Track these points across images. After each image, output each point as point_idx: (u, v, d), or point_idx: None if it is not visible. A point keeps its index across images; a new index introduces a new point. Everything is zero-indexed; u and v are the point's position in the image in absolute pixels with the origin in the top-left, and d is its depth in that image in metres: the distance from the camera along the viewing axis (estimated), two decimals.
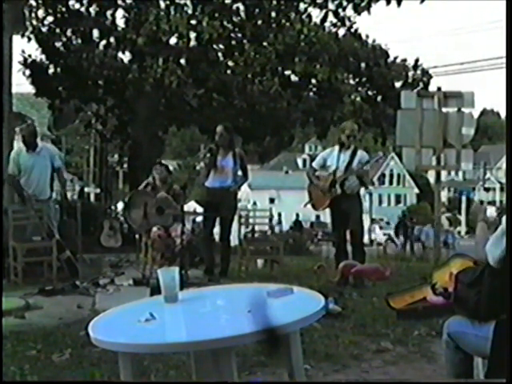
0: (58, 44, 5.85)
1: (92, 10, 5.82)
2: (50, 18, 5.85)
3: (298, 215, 13.39)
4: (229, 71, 5.90)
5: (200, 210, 3.35)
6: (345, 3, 5.83)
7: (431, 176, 10.97)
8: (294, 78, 6.21)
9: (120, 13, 5.85)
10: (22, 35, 5.30)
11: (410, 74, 6.54)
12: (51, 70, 5.96)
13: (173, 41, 5.74)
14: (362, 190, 3.04)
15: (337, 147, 2.92)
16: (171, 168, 3.71)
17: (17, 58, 5.71)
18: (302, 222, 12.86)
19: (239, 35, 5.83)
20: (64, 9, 5.80)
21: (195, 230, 4.83)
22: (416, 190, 25.18)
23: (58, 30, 5.83)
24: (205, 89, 5.73)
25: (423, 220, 18.60)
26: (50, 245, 2.95)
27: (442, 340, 1.22)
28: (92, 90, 5.98)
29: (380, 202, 23.15)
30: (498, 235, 1.07)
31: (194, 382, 1.10)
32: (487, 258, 1.08)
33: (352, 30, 6.20)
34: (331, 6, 5.93)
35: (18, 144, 3.44)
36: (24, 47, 6.13)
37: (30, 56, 5.91)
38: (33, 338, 1.90)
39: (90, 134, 9.19)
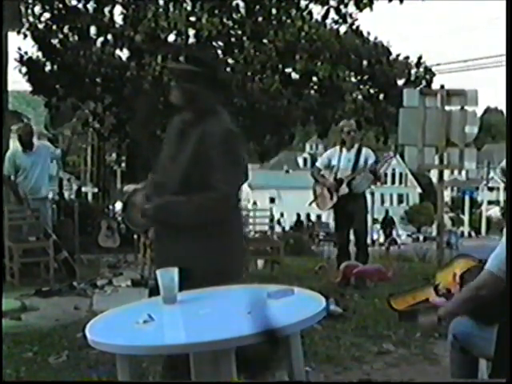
0: (55, 41, 5.82)
1: (89, 6, 5.80)
2: (47, 15, 5.81)
3: (299, 215, 13.40)
4: (228, 69, 5.87)
5: None
6: (346, 0, 5.80)
7: (434, 175, 10.88)
8: (294, 75, 6.20)
9: (118, 9, 5.85)
10: (18, 32, 5.24)
11: (413, 71, 6.52)
12: (48, 68, 5.93)
13: (171, 38, 5.72)
14: (366, 191, 3.03)
15: (340, 147, 2.91)
16: None
17: (13, 55, 5.62)
18: (303, 222, 12.83)
19: (239, 32, 5.81)
20: (61, 5, 5.78)
21: None
22: (419, 190, 25.13)
23: (54, 27, 5.79)
24: None
25: (425, 220, 18.41)
26: (46, 245, 2.92)
27: (447, 341, 1.20)
28: (89, 88, 5.95)
29: (382, 202, 23.13)
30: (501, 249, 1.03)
31: (194, 382, 1.07)
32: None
33: (354, 27, 6.16)
34: (332, 3, 5.91)
35: (14, 143, 3.41)
36: (20, 44, 6.08)
37: (26, 53, 5.87)
38: (29, 339, 1.88)
39: (88, 132, 9.13)
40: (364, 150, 2.87)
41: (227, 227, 1.18)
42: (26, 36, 5.72)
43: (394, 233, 12.56)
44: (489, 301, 1.02)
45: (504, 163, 16.82)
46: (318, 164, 3.04)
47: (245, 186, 4.36)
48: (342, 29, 6.14)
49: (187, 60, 1.18)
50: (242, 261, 1.24)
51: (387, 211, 14.25)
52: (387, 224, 12.04)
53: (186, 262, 1.11)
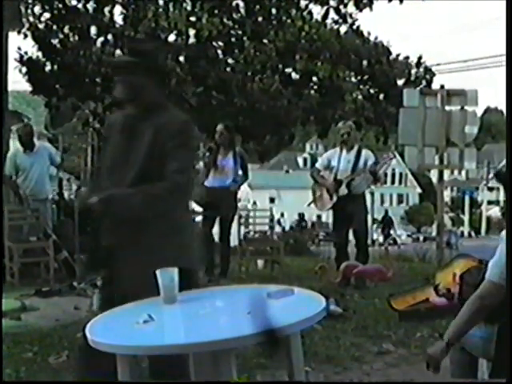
0: (55, 41, 5.81)
1: (89, 6, 5.78)
2: (47, 15, 5.80)
3: (299, 215, 13.41)
4: (228, 69, 5.88)
5: (199, 209, 3.33)
6: (346, 0, 5.81)
7: (434, 175, 10.89)
8: (294, 75, 6.19)
9: (118, 9, 5.83)
10: (19, 32, 5.24)
11: (413, 71, 6.51)
12: (48, 68, 5.92)
13: (172, 38, 5.71)
14: (366, 191, 3.04)
15: (340, 148, 2.92)
16: None
17: (13, 55, 5.58)
18: (305, 222, 12.84)
19: (239, 32, 5.81)
20: (61, 5, 5.76)
21: None
22: (418, 190, 25.14)
23: (54, 27, 5.78)
24: (204, 87, 5.68)
25: (425, 220, 18.31)
26: (46, 245, 2.92)
27: None
28: (89, 88, 5.93)
29: (382, 202, 23.15)
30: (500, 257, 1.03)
31: (194, 382, 1.07)
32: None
33: (354, 27, 6.15)
34: (332, 3, 5.90)
35: (15, 143, 3.41)
36: (20, 44, 6.07)
37: (26, 53, 5.85)
38: (29, 339, 1.88)
39: (88, 132, 9.13)
40: (364, 152, 2.88)
41: (177, 222, 1.11)
42: (26, 36, 5.71)
43: (392, 232, 12.58)
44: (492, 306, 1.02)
45: (499, 166, 16.82)
46: (317, 165, 3.05)
47: (245, 186, 4.39)
48: (342, 29, 6.16)
49: (128, 52, 1.12)
50: (195, 256, 1.12)
51: (386, 211, 14.29)
52: (385, 224, 12.06)
53: (133, 260, 1.06)
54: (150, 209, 1.09)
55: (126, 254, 1.11)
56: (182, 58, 5.74)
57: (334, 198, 2.84)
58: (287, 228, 11.21)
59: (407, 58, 6.63)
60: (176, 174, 1.07)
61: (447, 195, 22.35)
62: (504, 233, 1.02)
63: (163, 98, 1.13)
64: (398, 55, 6.63)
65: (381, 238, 10.75)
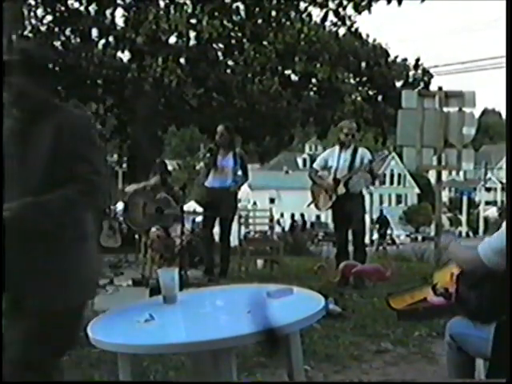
0: (57, 43, 5.88)
1: (91, 8, 5.84)
2: (49, 17, 5.89)
3: (302, 215, 13.44)
4: (228, 70, 5.93)
5: (200, 209, 3.35)
6: (345, 2, 5.86)
7: (432, 176, 10.94)
8: (294, 77, 6.26)
9: (119, 12, 5.92)
10: (21, 34, 5.29)
11: (411, 73, 6.58)
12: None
13: (172, 40, 5.78)
14: (364, 190, 3.05)
15: (337, 147, 2.93)
16: (170, 168, 3.71)
17: None
18: (299, 222, 12.89)
19: (239, 34, 5.85)
20: (63, 8, 5.84)
21: (195, 230, 4.82)
22: (417, 190, 25.23)
23: (56, 29, 5.86)
24: (204, 88, 5.72)
25: (424, 220, 18.30)
26: None
27: (445, 341, 1.22)
28: (91, 90, 5.99)
29: (381, 202, 23.20)
30: (497, 240, 1.05)
31: (195, 382, 1.08)
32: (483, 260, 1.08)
33: (352, 30, 6.22)
34: (331, 5, 5.96)
35: None
36: None
37: None
38: None
39: None
40: (360, 150, 2.88)
41: (88, 227, 1.03)
42: (28, 38, 5.76)
43: (389, 232, 12.52)
44: (486, 301, 1.04)
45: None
46: (314, 165, 3.05)
47: (245, 187, 4.42)
48: (341, 31, 6.23)
49: (10, 52, 1.01)
50: (100, 267, 1.05)
51: (381, 211, 14.29)
52: (381, 224, 12.01)
53: (41, 273, 0.97)
54: (68, 215, 1.00)
55: (29, 267, 0.99)
56: (182, 60, 5.78)
57: (333, 198, 2.86)
58: (287, 228, 11.23)
59: (405, 59, 6.69)
60: (91, 175, 1.00)
61: (445, 196, 22.44)
62: (504, 225, 1.04)
63: (52, 98, 1.04)
64: (396, 57, 6.69)
65: (375, 238, 10.71)
